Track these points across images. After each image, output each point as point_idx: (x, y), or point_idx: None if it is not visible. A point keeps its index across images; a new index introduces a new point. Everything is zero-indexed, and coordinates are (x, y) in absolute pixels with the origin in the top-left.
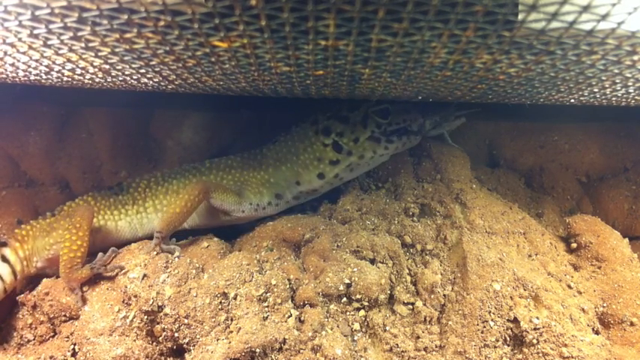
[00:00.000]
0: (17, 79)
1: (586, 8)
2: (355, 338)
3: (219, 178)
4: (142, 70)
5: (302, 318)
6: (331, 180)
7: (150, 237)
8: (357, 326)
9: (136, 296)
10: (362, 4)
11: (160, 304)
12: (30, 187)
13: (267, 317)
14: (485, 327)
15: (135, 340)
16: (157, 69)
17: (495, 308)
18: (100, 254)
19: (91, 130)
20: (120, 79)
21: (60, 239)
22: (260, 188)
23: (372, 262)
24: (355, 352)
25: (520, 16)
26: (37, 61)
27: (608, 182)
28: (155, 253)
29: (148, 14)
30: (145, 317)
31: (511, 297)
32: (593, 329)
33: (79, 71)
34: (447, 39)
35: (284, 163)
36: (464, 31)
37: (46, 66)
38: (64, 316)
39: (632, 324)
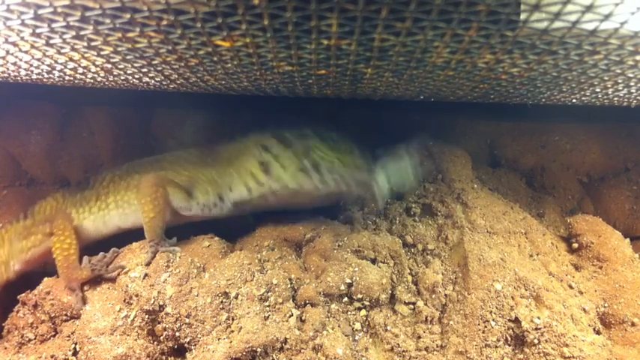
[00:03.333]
0: (19, 79)
1: (589, 8)
2: (356, 338)
3: (177, 172)
4: (144, 70)
5: (303, 317)
6: (256, 200)
7: (115, 234)
8: (358, 326)
9: (137, 295)
10: (365, 3)
11: (161, 303)
12: (31, 186)
13: (268, 317)
14: (486, 327)
15: (136, 340)
16: (159, 68)
17: (496, 308)
18: (101, 254)
19: (92, 129)
20: (122, 78)
21: (38, 242)
22: (207, 186)
23: (374, 261)
24: (356, 351)
25: (523, 16)
26: (39, 60)
27: (609, 182)
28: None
29: (151, 13)
30: (147, 316)
31: (512, 297)
32: (594, 329)
33: (80, 70)
34: (450, 38)
35: (231, 164)
36: (467, 31)
37: (48, 65)
38: (65, 315)
39: (633, 324)
